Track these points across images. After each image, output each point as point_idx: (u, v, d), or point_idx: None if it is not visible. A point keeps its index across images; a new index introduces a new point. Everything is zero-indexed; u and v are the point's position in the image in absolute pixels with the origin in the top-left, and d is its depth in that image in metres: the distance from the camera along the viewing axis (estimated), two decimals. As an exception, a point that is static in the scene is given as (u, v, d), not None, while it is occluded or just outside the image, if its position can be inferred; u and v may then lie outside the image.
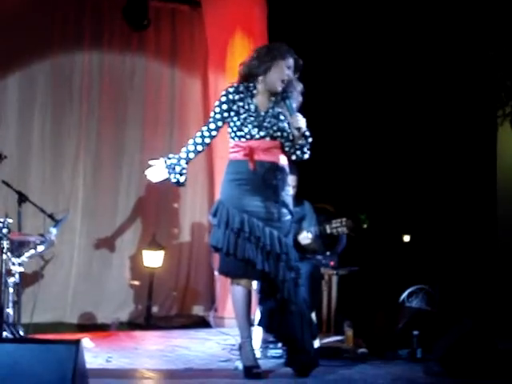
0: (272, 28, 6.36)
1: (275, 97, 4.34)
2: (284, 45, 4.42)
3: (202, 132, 4.30)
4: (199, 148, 4.29)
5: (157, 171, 4.26)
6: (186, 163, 4.27)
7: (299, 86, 4.37)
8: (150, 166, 4.29)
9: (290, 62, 4.30)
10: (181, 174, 4.26)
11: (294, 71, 4.33)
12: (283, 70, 4.27)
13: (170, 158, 4.26)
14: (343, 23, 6.70)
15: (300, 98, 4.38)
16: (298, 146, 4.30)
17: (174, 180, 4.27)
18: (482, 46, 6.38)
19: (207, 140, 4.30)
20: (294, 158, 4.36)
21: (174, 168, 4.24)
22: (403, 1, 6.57)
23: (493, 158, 6.76)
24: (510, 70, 6.34)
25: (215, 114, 4.30)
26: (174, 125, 6.78)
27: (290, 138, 4.28)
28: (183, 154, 4.27)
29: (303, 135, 4.25)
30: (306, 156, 4.37)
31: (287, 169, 4.37)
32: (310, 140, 4.33)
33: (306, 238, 5.18)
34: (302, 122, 4.23)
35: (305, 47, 6.26)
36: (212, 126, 4.30)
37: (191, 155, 4.28)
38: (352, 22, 6.70)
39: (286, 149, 4.32)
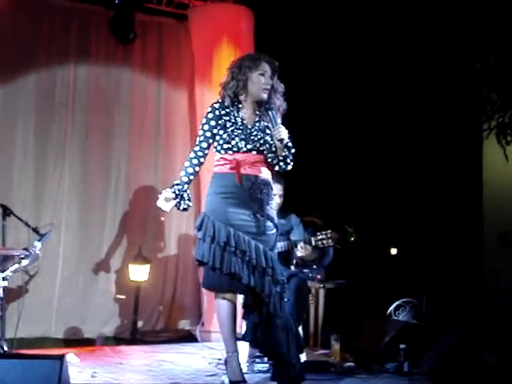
0: (259, 40, 6.37)
1: (260, 110, 4.34)
2: (253, 54, 4.47)
3: (196, 153, 4.30)
4: (197, 169, 4.31)
5: (167, 201, 4.21)
6: (189, 187, 4.29)
7: (280, 87, 4.38)
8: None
9: (264, 67, 4.31)
10: (189, 200, 4.28)
11: (272, 74, 4.33)
12: (260, 80, 4.29)
13: (176, 185, 4.24)
14: (329, 35, 6.72)
15: (284, 104, 4.38)
16: (281, 158, 4.30)
17: (185, 206, 4.27)
18: (467, 58, 6.41)
19: (202, 159, 4.33)
20: (277, 168, 4.35)
21: (183, 195, 4.24)
22: (389, 13, 6.60)
23: (479, 172, 6.78)
24: (495, 83, 6.37)
25: (205, 131, 4.30)
26: (159, 137, 6.76)
27: (273, 149, 4.28)
28: (185, 178, 4.27)
29: (286, 146, 4.26)
30: (289, 167, 4.37)
31: (272, 183, 4.37)
32: (293, 151, 4.33)
33: (305, 249, 5.18)
34: (284, 133, 4.22)
35: (291, 58, 6.30)
36: (204, 144, 4.31)
37: (192, 177, 4.30)
38: (338, 33, 6.72)
39: (269, 160, 4.31)
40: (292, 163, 4.35)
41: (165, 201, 4.20)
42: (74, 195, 6.35)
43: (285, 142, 4.22)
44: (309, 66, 6.68)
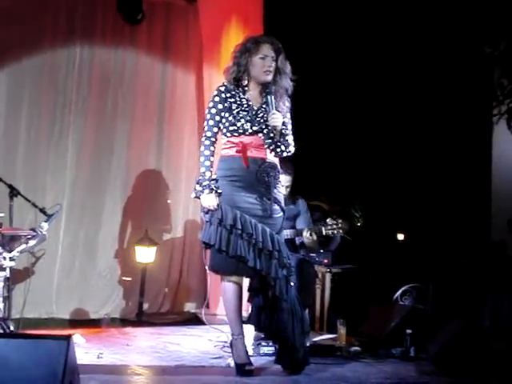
0: (268, 22, 6.32)
1: (265, 91, 4.31)
2: (255, 36, 4.43)
3: (210, 138, 4.28)
4: (212, 158, 4.27)
5: (210, 198, 4.18)
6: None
7: (287, 69, 4.32)
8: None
9: (264, 51, 4.26)
10: (217, 182, 4.22)
11: (276, 55, 4.28)
12: (260, 63, 4.25)
13: (212, 180, 4.19)
14: (339, 17, 6.67)
15: (291, 86, 4.33)
16: (278, 143, 4.27)
17: (219, 191, 4.21)
18: (478, 43, 6.36)
19: (215, 145, 4.30)
20: (273, 154, 4.32)
21: (217, 187, 4.19)
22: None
23: (488, 157, 6.74)
24: (506, 67, 6.32)
25: (214, 115, 4.28)
26: (163, 120, 6.71)
27: (271, 134, 4.25)
28: (208, 163, 4.23)
29: (280, 133, 4.22)
30: (285, 154, 4.34)
31: (279, 166, 4.34)
32: (289, 138, 4.30)
33: (307, 238, 5.15)
34: (278, 120, 4.20)
35: (300, 40, 6.24)
36: (215, 129, 4.29)
37: (211, 169, 4.26)
38: (348, 16, 6.67)
39: (266, 146, 4.28)
40: (288, 149, 4.32)
41: (210, 203, 4.17)
42: (76, 177, 6.32)
43: (278, 129, 4.20)
44: (318, 48, 6.63)
